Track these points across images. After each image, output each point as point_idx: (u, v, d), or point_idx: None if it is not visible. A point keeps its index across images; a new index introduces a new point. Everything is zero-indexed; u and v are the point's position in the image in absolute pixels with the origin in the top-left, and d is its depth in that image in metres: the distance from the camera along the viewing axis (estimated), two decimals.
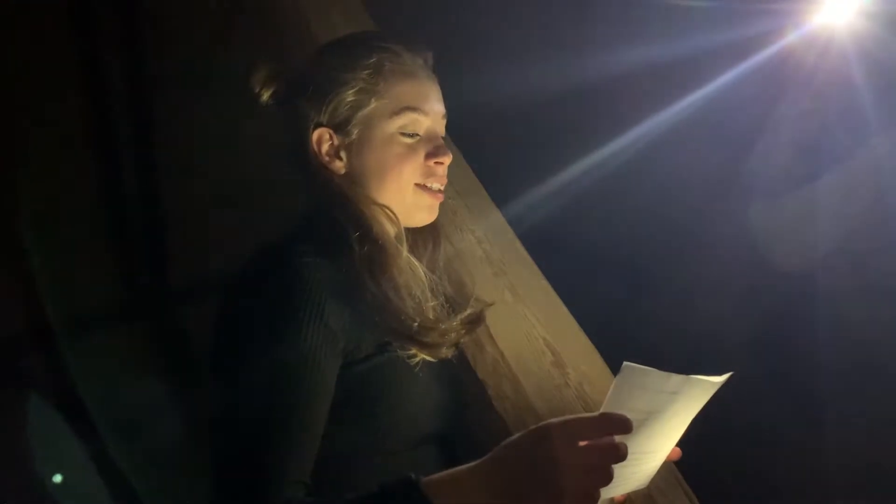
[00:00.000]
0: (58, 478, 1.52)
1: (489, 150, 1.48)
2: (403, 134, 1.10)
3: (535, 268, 1.32)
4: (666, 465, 1.03)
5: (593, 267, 1.57)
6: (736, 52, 1.53)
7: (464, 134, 1.26)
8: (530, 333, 1.21)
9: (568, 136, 1.54)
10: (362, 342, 0.99)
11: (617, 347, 1.27)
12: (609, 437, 0.79)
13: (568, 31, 1.57)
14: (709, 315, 1.64)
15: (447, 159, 1.12)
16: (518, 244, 1.34)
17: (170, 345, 1.79)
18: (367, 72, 1.10)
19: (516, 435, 0.82)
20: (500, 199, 1.38)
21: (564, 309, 1.28)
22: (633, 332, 1.51)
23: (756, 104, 1.62)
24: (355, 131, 1.10)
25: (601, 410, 0.80)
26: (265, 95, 1.13)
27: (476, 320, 1.13)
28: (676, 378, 0.82)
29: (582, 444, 0.78)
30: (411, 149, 1.11)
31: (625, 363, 0.79)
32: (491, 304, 1.18)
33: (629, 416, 0.79)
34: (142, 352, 1.76)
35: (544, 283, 1.30)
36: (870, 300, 1.62)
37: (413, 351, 1.02)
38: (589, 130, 1.54)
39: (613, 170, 1.53)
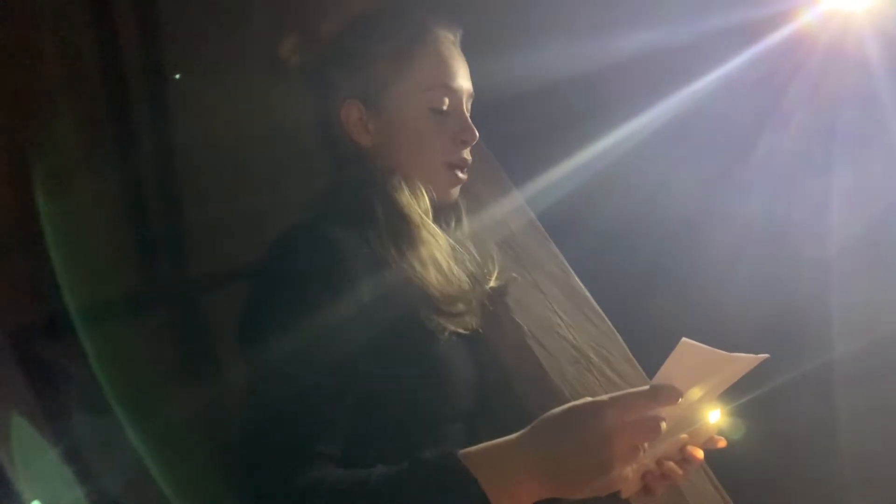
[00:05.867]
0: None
1: (508, 132, 1.47)
2: (433, 110, 1.10)
3: (556, 250, 1.31)
4: None
5: (613, 250, 1.56)
6: (750, 33, 1.52)
7: (483, 115, 1.25)
8: (551, 316, 1.20)
9: (584, 119, 1.53)
10: (390, 314, 0.98)
11: (637, 330, 1.27)
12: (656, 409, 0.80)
13: (585, 13, 1.56)
14: (727, 300, 1.63)
15: (475, 138, 1.12)
16: (538, 226, 1.33)
17: (190, 333, 1.78)
18: (399, 46, 1.10)
19: (560, 409, 0.81)
20: (520, 180, 1.37)
21: (584, 291, 1.27)
22: (652, 315, 1.50)
23: (771, 87, 1.61)
24: (385, 105, 1.10)
25: (652, 383, 0.81)
26: (293, 62, 1.13)
27: (501, 292, 1.12)
28: (725, 355, 0.83)
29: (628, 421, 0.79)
30: (440, 126, 1.11)
31: (683, 339, 0.79)
32: (514, 277, 1.17)
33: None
34: (161, 340, 1.75)
35: (565, 265, 1.29)
36: (890, 288, 1.61)
37: (440, 322, 1.01)
38: (603, 113, 1.53)
39: (628, 153, 1.52)
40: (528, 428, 0.81)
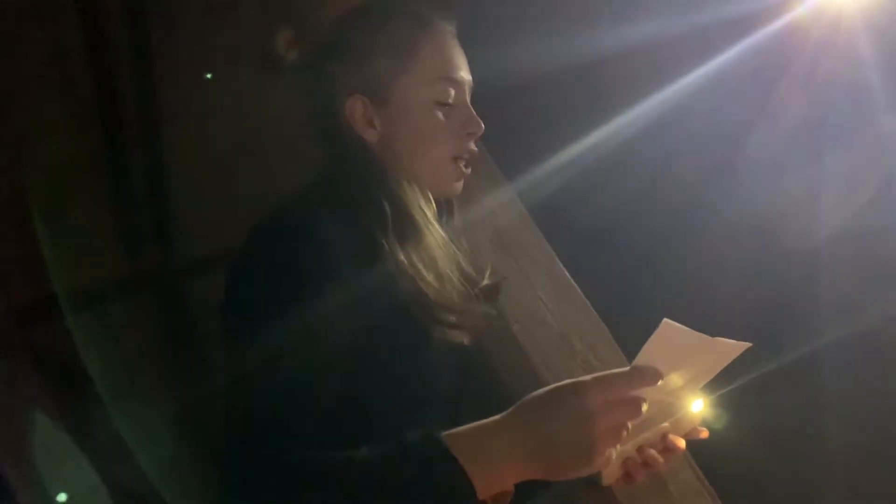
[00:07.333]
0: (62, 497, 1.51)
1: (499, 124, 1.47)
2: (438, 104, 1.08)
3: (542, 239, 1.32)
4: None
5: (600, 242, 1.57)
6: (742, 26, 1.52)
7: (475, 107, 1.25)
8: (536, 305, 1.21)
9: (575, 112, 1.53)
10: (379, 307, 0.96)
11: (625, 320, 1.27)
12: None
13: (577, 6, 1.56)
14: (713, 292, 1.64)
15: (481, 130, 1.10)
16: (526, 216, 1.33)
17: (174, 317, 1.78)
18: (402, 38, 1.08)
19: (543, 390, 0.80)
20: (510, 173, 1.37)
21: (572, 282, 1.28)
22: (641, 306, 1.51)
23: (762, 80, 1.61)
24: (390, 99, 1.08)
25: (633, 364, 0.80)
26: (291, 57, 1.10)
27: (493, 292, 1.12)
28: (707, 339, 0.82)
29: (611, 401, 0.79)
30: (446, 119, 1.09)
31: (665, 320, 0.78)
32: (505, 278, 1.16)
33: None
34: (146, 324, 1.75)
35: (551, 254, 1.30)
36: (875, 280, 1.62)
37: (430, 325, 0.99)
38: (595, 106, 1.53)
39: (619, 146, 1.52)
40: (511, 409, 0.81)
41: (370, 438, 0.82)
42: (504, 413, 0.81)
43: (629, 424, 0.80)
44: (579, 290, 1.27)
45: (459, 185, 1.13)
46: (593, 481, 0.95)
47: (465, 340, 1.05)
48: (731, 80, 1.55)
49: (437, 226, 1.07)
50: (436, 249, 1.04)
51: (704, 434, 0.97)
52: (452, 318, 1.02)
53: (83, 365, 1.51)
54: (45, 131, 1.63)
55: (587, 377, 0.79)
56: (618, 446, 0.82)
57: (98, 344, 1.55)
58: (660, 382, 0.81)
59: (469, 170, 1.12)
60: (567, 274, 1.28)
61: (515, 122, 1.59)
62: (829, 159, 1.62)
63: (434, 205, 1.09)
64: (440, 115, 1.09)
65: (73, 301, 1.55)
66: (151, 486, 1.45)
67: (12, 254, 1.59)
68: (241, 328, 0.94)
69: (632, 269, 1.64)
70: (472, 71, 1.15)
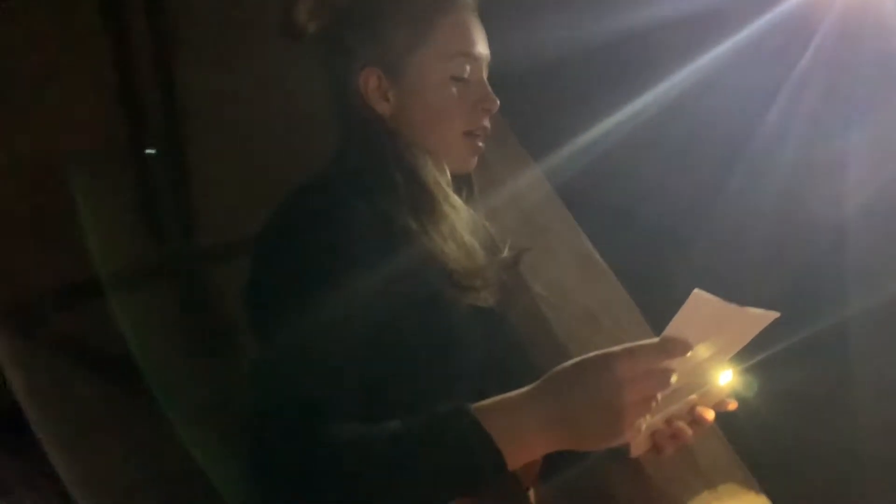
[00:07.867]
0: None
1: (525, 103, 1.47)
2: (453, 79, 1.08)
3: (568, 215, 1.32)
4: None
5: (627, 218, 1.56)
6: None
7: (500, 86, 1.25)
8: (564, 281, 1.22)
9: (596, 90, 1.53)
10: (405, 284, 0.96)
11: (653, 296, 1.28)
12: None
13: None
14: (740, 266, 1.63)
15: (496, 106, 1.10)
16: (551, 192, 1.34)
17: (199, 304, 1.80)
18: (420, 11, 1.07)
19: (571, 362, 0.80)
20: (535, 150, 1.37)
21: (596, 255, 1.28)
22: (668, 280, 1.51)
23: (789, 50, 1.59)
24: (405, 73, 1.08)
25: (663, 335, 0.80)
26: (312, 27, 1.09)
27: (513, 264, 1.12)
28: (737, 308, 0.81)
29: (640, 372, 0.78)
30: (461, 94, 1.09)
31: (695, 290, 0.77)
32: (528, 249, 1.16)
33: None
34: (171, 311, 1.76)
35: (577, 229, 1.30)
36: None
37: (456, 296, 1.00)
38: (618, 85, 1.52)
39: (644, 123, 1.52)
40: (540, 381, 0.81)
41: (398, 413, 0.82)
42: (533, 384, 0.81)
43: (658, 396, 0.80)
44: (606, 267, 1.27)
45: (474, 160, 1.13)
46: (622, 452, 0.96)
47: (492, 301, 1.06)
48: (757, 52, 1.54)
49: (452, 195, 1.07)
50: (453, 218, 1.04)
51: (733, 406, 0.98)
52: (476, 283, 1.02)
53: (120, 351, 1.53)
54: (70, 122, 1.65)
55: (616, 348, 0.79)
56: (647, 417, 0.82)
57: (124, 331, 1.56)
58: (689, 353, 0.80)
59: (483, 145, 1.11)
60: (593, 248, 1.29)
61: (541, 101, 1.59)
62: (856, 131, 1.60)
63: (449, 175, 1.09)
64: (454, 90, 1.08)
65: (98, 289, 1.57)
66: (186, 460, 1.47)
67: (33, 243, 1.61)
68: (266, 311, 0.95)
69: (658, 245, 1.64)
70: (499, 50, 1.14)
